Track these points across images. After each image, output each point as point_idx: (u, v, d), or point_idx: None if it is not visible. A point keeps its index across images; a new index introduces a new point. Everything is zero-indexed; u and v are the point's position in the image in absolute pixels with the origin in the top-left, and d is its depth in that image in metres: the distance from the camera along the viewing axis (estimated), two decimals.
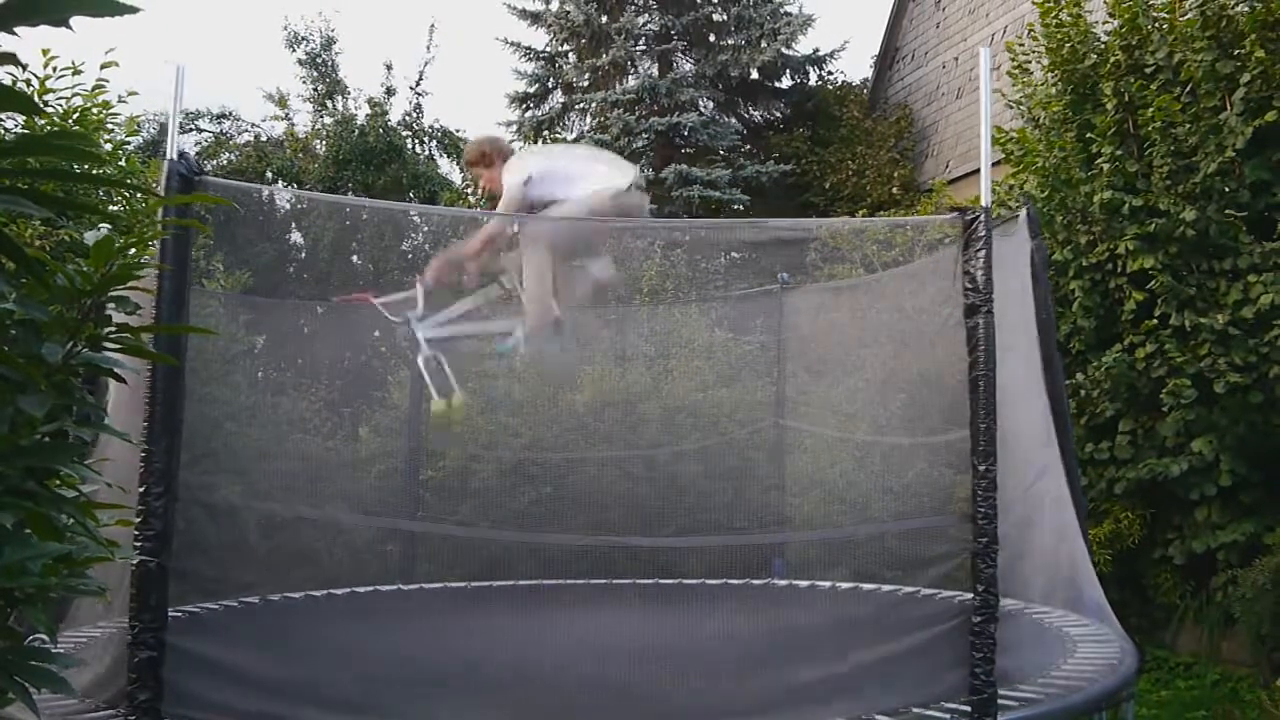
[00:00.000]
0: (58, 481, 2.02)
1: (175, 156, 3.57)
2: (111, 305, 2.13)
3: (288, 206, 13.13)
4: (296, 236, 13.12)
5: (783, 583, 7.12)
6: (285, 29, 14.75)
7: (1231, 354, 7.02)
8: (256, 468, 7.43)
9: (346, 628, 5.80)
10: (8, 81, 4.97)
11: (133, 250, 2.22)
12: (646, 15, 16.20)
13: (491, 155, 5.72)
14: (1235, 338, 7.02)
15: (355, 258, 12.98)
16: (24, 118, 5.76)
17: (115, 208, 6.79)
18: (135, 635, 3.33)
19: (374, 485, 7.86)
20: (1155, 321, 7.37)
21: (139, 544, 3.36)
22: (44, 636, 1.98)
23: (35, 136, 1.33)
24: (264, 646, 4.67)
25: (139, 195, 5.98)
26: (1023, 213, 5.39)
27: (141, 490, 3.39)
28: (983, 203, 3.80)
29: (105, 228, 4.87)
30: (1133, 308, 7.53)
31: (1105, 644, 4.90)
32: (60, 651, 2.01)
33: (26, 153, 1.35)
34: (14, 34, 1.23)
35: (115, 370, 2.06)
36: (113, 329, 2.06)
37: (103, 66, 6.74)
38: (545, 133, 16.03)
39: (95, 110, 6.81)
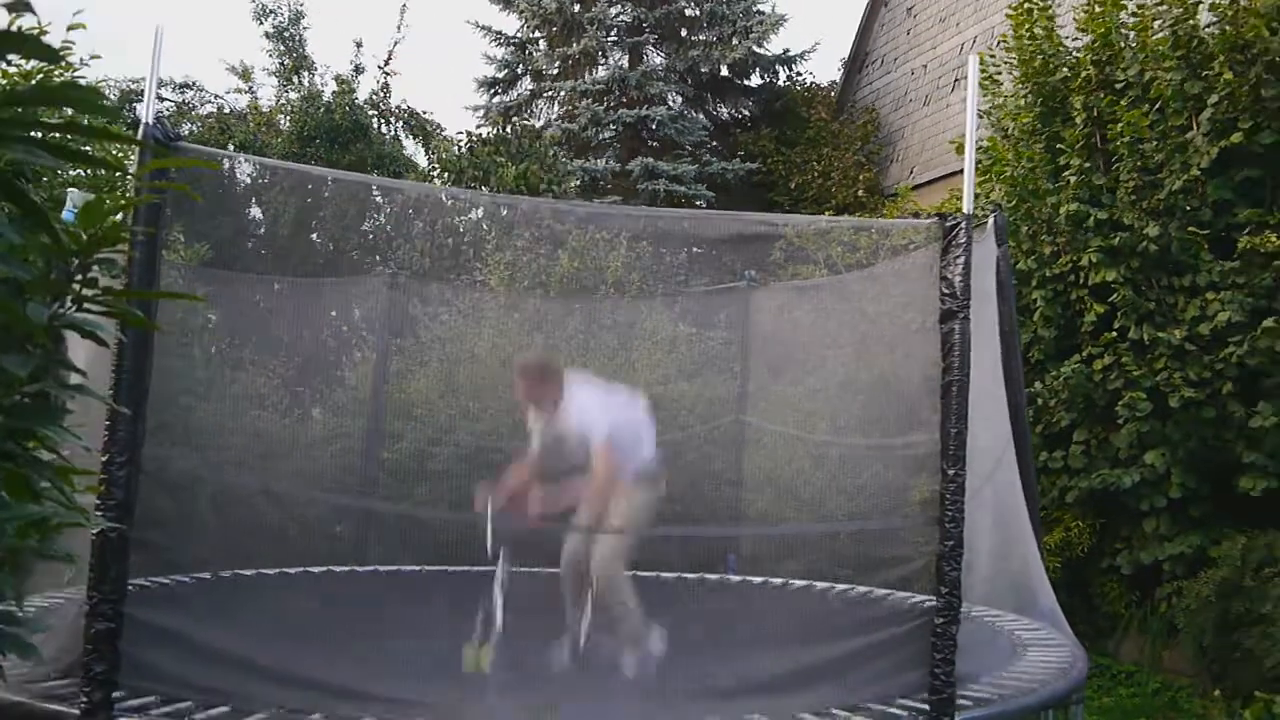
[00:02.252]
0: (35, 443, 1.98)
1: (151, 120, 3.51)
2: (95, 267, 2.09)
3: (248, 180, 12.96)
4: (256, 211, 12.96)
5: (737, 578, 7.15)
6: (254, 1, 14.54)
7: (1187, 369, 7.13)
8: (211, 442, 7.34)
9: (300, 606, 5.75)
10: None
11: (120, 215, 2.18)
12: (619, 6, 16.18)
13: (552, 375, 5.53)
14: (1191, 353, 7.14)
15: (315, 235, 12.84)
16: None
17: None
18: (94, 606, 3.28)
19: (330, 464, 7.79)
20: (1114, 334, 7.47)
21: (100, 513, 3.31)
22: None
23: (50, 87, 1.31)
24: (218, 621, 4.62)
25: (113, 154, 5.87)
26: (990, 221, 5.43)
27: (105, 460, 3.34)
28: (965, 209, 3.83)
29: (73, 191, 4.79)
30: (1093, 319, 7.63)
31: (1056, 648, 4.97)
32: (28, 616, 1.98)
33: (39, 103, 1.32)
34: None
35: (97, 333, 2.02)
36: (98, 291, 2.02)
37: (70, 28, 6.60)
38: (514, 119, 15.97)
39: (58, 74, 6.67)
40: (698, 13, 16.29)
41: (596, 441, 5.24)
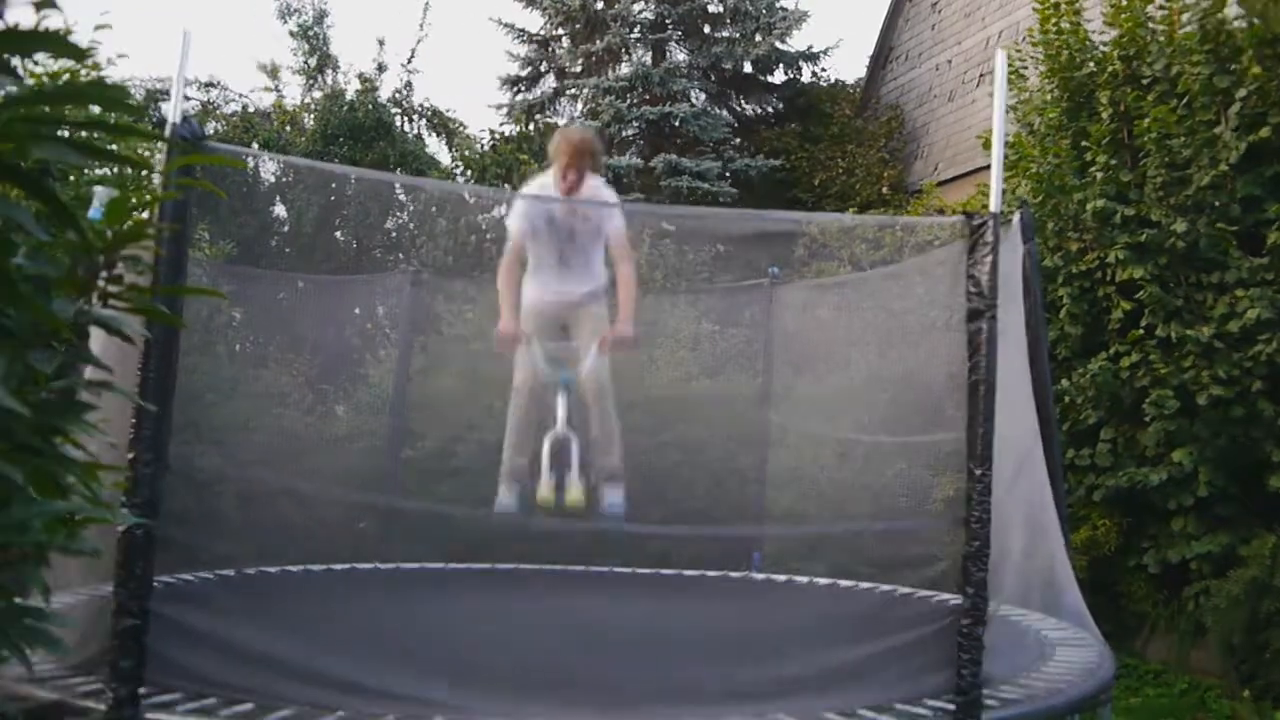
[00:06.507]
0: (60, 439, 1.98)
1: (178, 119, 3.53)
2: (120, 264, 2.09)
3: (272, 179, 13.03)
4: (280, 210, 13.02)
5: (761, 576, 7.14)
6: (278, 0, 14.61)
7: (1215, 367, 7.06)
8: (236, 439, 7.38)
9: (326, 603, 5.77)
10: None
11: (145, 212, 2.19)
12: (642, 3, 16.15)
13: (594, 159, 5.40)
14: (1219, 351, 7.06)
15: (339, 233, 12.90)
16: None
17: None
18: (120, 603, 3.29)
19: (353, 461, 7.82)
20: (1141, 331, 7.41)
21: (126, 510, 3.32)
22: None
23: (77, 85, 1.31)
24: (241, 619, 4.63)
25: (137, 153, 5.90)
26: (1016, 217, 5.39)
27: (131, 457, 3.35)
28: (992, 208, 3.80)
29: (99, 189, 4.81)
30: (1120, 317, 7.56)
31: (1084, 648, 4.94)
32: (54, 612, 1.98)
33: (67, 101, 1.32)
34: None
35: (124, 330, 2.03)
36: (123, 287, 2.02)
37: (97, 28, 6.66)
38: (537, 116, 15.97)
39: (84, 73, 6.71)
40: (721, 9, 16.23)
41: (622, 228, 5.27)
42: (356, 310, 10.23)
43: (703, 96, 16.34)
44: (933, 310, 6.75)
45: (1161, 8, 7.91)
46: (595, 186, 5.37)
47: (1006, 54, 8.25)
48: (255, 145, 13.20)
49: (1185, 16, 7.76)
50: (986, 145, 4.70)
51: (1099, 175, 7.67)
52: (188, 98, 15.45)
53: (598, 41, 15.90)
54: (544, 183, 5.46)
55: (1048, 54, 8.36)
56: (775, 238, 9.78)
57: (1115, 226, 7.53)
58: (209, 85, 15.18)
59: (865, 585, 6.53)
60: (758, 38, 16.05)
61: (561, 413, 5.07)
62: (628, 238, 5.34)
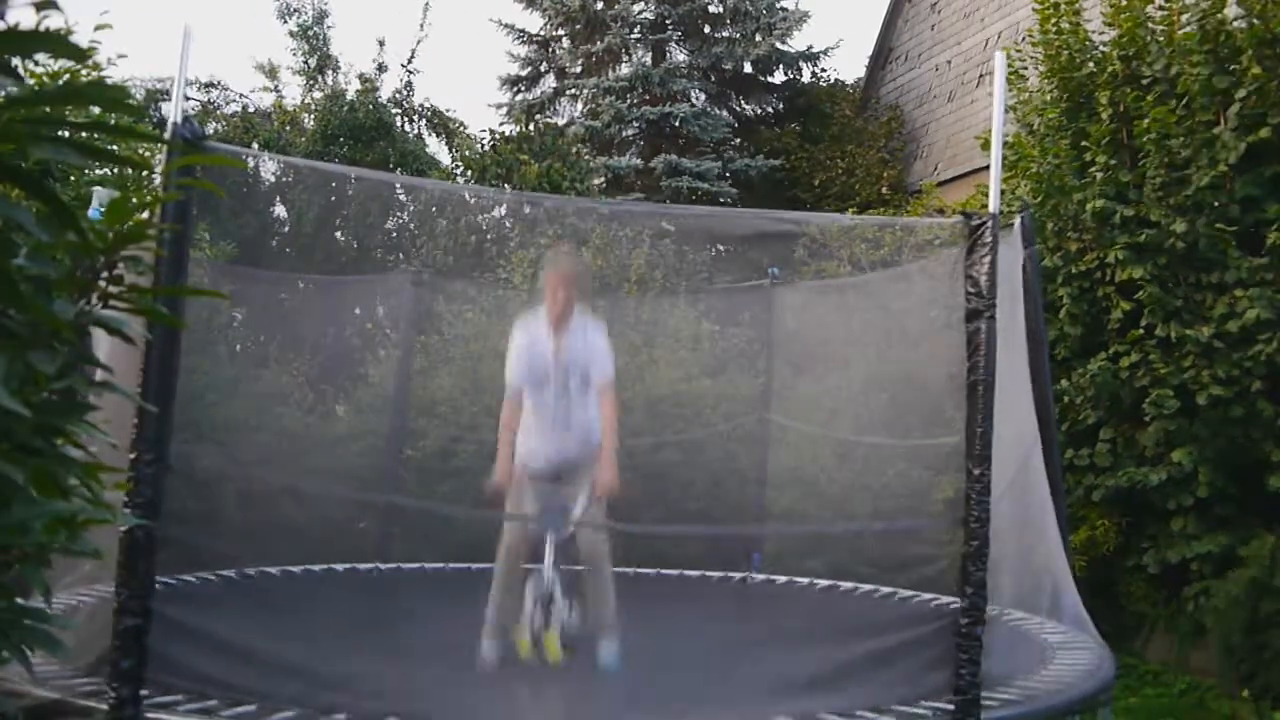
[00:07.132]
0: (62, 440, 1.98)
1: (179, 119, 3.53)
2: (121, 264, 2.10)
3: (272, 179, 13.02)
4: (281, 210, 13.01)
5: (760, 576, 7.15)
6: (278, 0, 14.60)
7: (1215, 367, 7.06)
8: (236, 440, 7.39)
9: (326, 603, 5.77)
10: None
11: (146, 213, 2.19)
12: (642, 3, 16.17)
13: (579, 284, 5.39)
14: (1219, 351, 7.06)
15: (339, 233, 12.89)
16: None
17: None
18: (122, 602, 3.29)
19: (354, 461, 7.83)
20: (1141, 331, 7.41)
21: (128, 511, 3.32)
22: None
23: (77, 86, 1.31)
24: (242, 619, 4.64)
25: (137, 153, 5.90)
26: (1017, 220, 5.40)
27: (133, 457, 3.35)
28: (991, 208, 3.80)
29: (99, 190, 4.82)
30: (1119, 317, 7.56)
31: (1083, 650, 4.94)
32: (56, 613, 1.99)
33: (67, 102, 1.32)
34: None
35: (125, 330, 2.03)
36: (123, 288, 2.02)
37: (97, 28, 6.65)
38: (537, 116, 15.97)
39: (85, 73, 6.71)
40: (721, 9, 16.24)
41: (609, 374, 5.23)
42: (357, 310, 10.24)
43: (703, 97, 16.35)
44: (932, 311, 6.76)
45: (1161, 8, 7.91)
46: (583, 325, 5.31)
47: (1006, 54, 8.27)
48: (255, 145, 13.18)
49: (1185, 17, 7.76)
50: (986, 146, 4.69)
51: (1099, 175, 7.67)
52: (188, 98, 15.43)
53: (598, 42, 15.91)
54: (534, 323, 5.38)
55: (1047, 54, 8.36)
56: (775, 238, 9.79)
57: (1115, 227, 7.53)
58: (209, 85, 15.17)
59: (865, 586, 6.53)
60: (758, 38, 16.06)
61: (549, 562, 4.99)
62: (613, 383, 5.28)
